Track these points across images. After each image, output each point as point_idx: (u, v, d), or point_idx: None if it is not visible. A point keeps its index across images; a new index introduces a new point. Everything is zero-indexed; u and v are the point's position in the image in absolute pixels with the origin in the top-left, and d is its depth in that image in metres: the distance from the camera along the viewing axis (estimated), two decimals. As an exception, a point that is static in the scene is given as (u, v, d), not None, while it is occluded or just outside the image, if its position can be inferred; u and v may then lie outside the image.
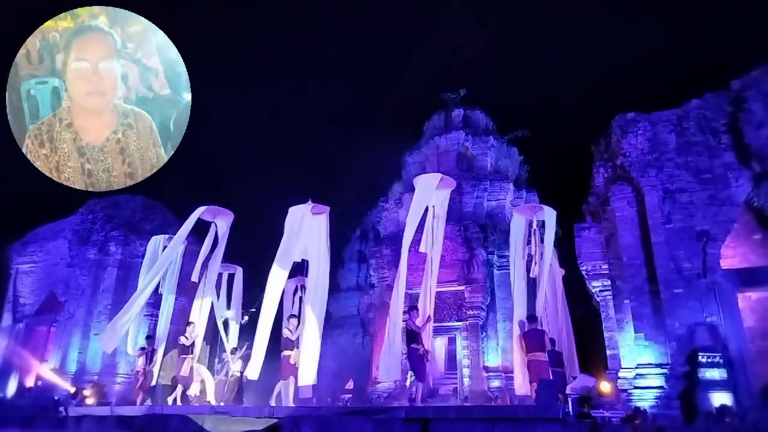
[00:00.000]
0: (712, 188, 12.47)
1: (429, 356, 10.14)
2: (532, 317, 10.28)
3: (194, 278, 12.54)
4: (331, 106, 37.17)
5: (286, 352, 10.56)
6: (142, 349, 12.77)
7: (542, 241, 11.18)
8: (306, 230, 11.02)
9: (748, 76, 12.94)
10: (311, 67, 43.95)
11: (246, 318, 13.98)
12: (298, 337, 10.68)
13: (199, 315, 12.42)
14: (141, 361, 12.49)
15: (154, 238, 13.80)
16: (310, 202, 11.15)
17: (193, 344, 11.93)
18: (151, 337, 13.32)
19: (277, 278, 10.69)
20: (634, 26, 34.69)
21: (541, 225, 11.47)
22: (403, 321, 9.92)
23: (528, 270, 11.24)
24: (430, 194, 10.76)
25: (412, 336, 9.71)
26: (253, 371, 10.14)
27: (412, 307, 10.16)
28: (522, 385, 10.11)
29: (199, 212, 12.26)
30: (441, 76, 34.66)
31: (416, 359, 9.60)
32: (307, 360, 10.22)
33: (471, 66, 36.27)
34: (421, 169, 20.46)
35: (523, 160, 20.97)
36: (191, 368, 11.78)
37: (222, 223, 12.61)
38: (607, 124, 14.40)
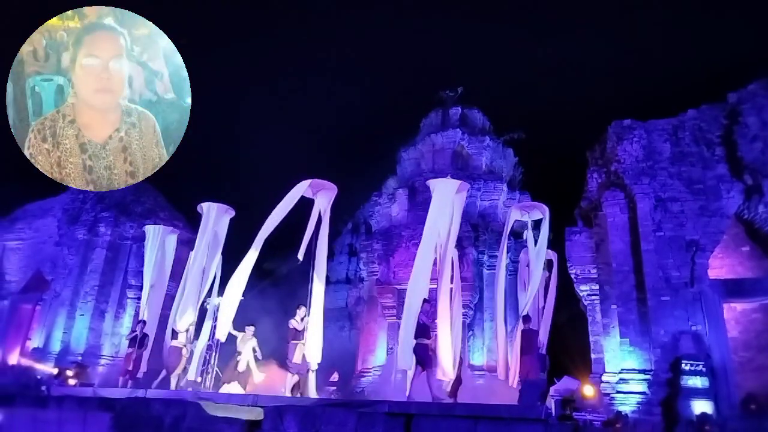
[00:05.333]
0: (703, 199, 12.57)
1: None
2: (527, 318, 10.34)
3: (300, 257, 11.57)
4: (327, 101, 37.14)
5: (424, 341, 9.65)
6: (132, 331, 12.67)
7: (536, 240, 11.25)
8: (451, 207, 10.37)
9: (745, 90, 13.05)
10: (310, 65, 43.93)
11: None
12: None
13: (309, 298, 11.58)
14: (126, 344, 12.32)
15: (206, 205, 12.85)
16: (449, 177, 10.47)
17: (304, 329, 11.10)
18: (143, 321, 13.18)
19: (426, 256, 10.04)
20: (634, 34, 34.81)
21: (535, 225, 11.52)
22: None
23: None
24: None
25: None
26: (406, 362, 9.45)
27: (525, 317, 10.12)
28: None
29: (302, 187, 11.48)
30: (439, 74, 34.75)
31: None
32: (444, 352, 9.56)
33: (470, 66, 36.34)
34: (416, 165, 20.45)
35: (518, 162, 21.01)
36: (303, 355, 10.92)
37: (322, 199, 11.78)
38: (603, 130, 14.48)
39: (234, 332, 11.75)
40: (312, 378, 11.09)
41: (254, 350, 12.00)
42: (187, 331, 12.13)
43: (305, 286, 11.62)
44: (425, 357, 9.49)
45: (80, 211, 18.96)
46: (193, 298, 12.23)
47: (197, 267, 12.29)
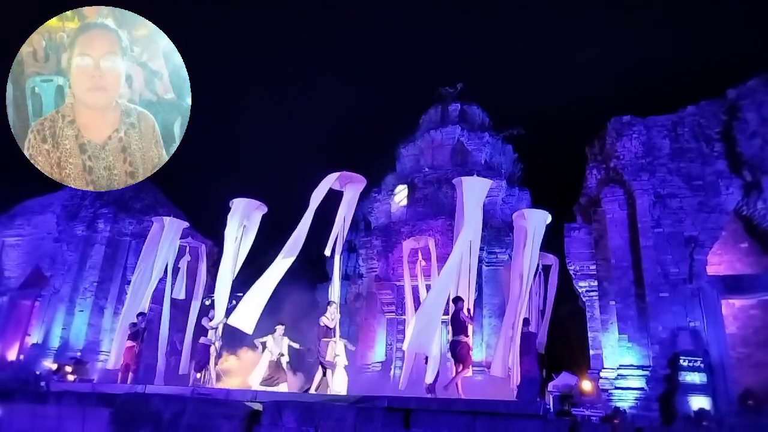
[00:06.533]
0: (702, 195, 12.57)
1: None
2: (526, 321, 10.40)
3: (327, 252, 11.54)
4: (327, 98, 37.12)
5: (464, 338, 9.72)
6: (133, 325, 12.63)
7: (531, 242, 11.31)
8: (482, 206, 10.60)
9: (744, 86, 13.03)
10: (310, 65, 43.95)
11: (209, 301, 13.65)
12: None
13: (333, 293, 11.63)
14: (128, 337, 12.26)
15: (237, 201, 12.60)
16: (475, 175, 10.68)
17: (336, 326, 11.05)
18: (143, 314, 13.18)
19: (461, 250, 10.19)
20: (634, 31, 34.79)
21: (534, 228, 11.59)
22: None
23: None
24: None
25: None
26: (423, 347, 9.57)
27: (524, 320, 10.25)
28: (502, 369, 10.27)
29: (331, 180, 11.34)
30: (438, 71, 34.73)
31: None
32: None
33: (469, 64, 36.31)
34: (416, 161, 20.44)
35: (517, 158, 21.00)
36: (334, 353, 10.89)
37: (351, 192, 11.70)
38: (602, 126, 14.46)
39: (271, 337, 11.74)
40: (344, 374, 11.23)
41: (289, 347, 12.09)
42: (215, 328, 12.09)
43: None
44: (466, 355, 9.70)
45: (79, 208, 18.98)
46: (225, 295, 12.18)
47: (228, 263, 12.19)
